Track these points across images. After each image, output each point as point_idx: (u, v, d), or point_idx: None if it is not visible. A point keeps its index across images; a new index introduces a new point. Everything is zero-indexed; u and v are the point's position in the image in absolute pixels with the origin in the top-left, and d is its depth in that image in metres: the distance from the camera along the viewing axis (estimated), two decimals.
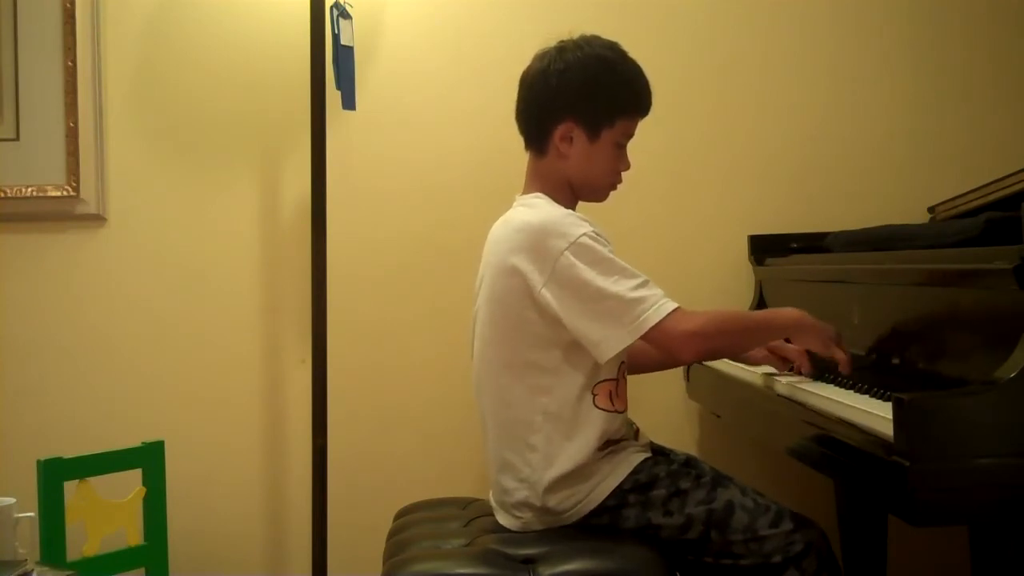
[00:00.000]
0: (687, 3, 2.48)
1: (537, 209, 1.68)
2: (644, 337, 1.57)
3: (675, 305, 1.58)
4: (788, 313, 1.73)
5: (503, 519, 1.69)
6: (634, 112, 1.74)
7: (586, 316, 1.59)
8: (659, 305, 1.56)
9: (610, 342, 1.58)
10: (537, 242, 1.61)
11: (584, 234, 1.60)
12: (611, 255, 1.60)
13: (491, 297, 1.68)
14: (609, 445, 1.66)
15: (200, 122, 2.46)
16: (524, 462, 1.65)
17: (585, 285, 1.58)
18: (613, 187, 1.78)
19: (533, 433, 1.64)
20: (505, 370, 1.68)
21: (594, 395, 1.64)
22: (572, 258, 1.58)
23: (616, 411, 1.67)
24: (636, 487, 1.64)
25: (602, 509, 1.63)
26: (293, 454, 2.44)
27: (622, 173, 1.77)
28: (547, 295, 1.59)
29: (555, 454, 1.63)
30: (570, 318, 1.59)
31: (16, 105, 2.42)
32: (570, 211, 1.69)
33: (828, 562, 1.60)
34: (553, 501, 1.63)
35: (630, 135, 1.75)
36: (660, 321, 1.56)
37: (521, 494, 1.65)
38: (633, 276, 1.59)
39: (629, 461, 1.66)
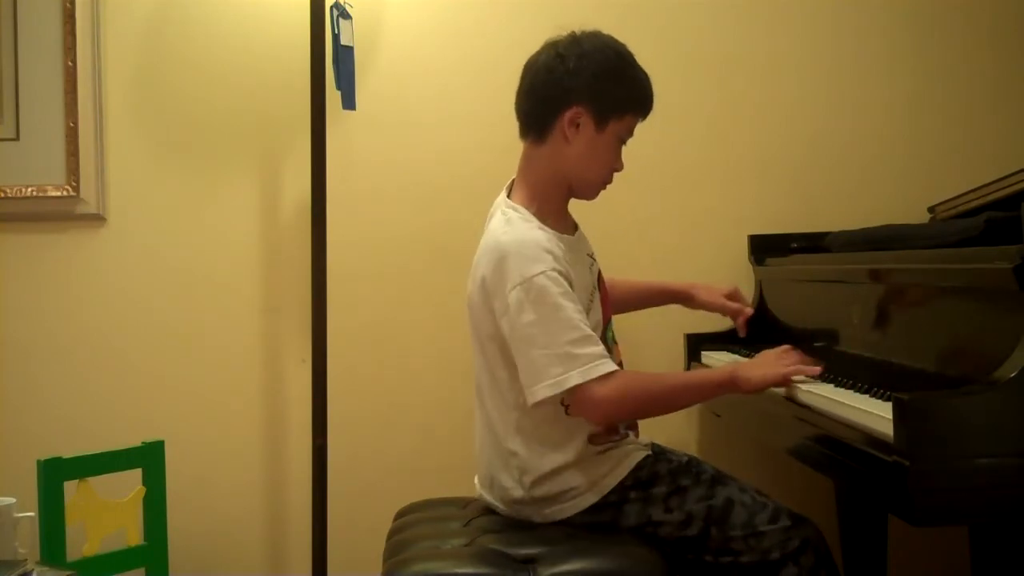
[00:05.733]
0: (687, 3, 2.48)
1: (511, 227, 1.64)
2: (564, 394, 1.57)
3: (607, 369, 1.55)
4: (720, 372, 1.72)
5: (507, 513, 1.70)
6: (640, 111, 1.73)
7: (520, 356, 1.59)
8: (587, 368, 1.55)
9: (533, 390, 1.57)
10: (499, 269, 1.60)
11: (541, 272, 1.56)
12: (561, 299, 1.56)
13: (471, 307, 1.70)
14: (599, 441, 1.66)
15: (200, 122, 2.46)
16: (513, 465, 1.66)
17: (524, 327, 1.56)
18: (604, 185, 1.76)
19: (511, 440, 1.65)
20: (484, 382, 1.70)
21: (565, 406, 1.64)
22: (521, 295, 1.56)
23: None
24: (637, 483, 1.64)
25: (604, 505, 1.64)
26: (293, 454, 2.44)
27: (615, 174, 1.76)
28: (503, 325, 1.60)
29: (537, 457, 1.64)
30: (513, 352, 1.60)
31: (16, 105, 2.41)
32: (540, 235, 1.63)
33: (825, 559, 1.60)
34: (541, 491, 1.64)
35: (631, 134, 1.75)
36: (582, 384, 1.55)
37: (518, 492, 1.66)
38: (574, 329, 1.56)
39: (631, 458, 1.67)
